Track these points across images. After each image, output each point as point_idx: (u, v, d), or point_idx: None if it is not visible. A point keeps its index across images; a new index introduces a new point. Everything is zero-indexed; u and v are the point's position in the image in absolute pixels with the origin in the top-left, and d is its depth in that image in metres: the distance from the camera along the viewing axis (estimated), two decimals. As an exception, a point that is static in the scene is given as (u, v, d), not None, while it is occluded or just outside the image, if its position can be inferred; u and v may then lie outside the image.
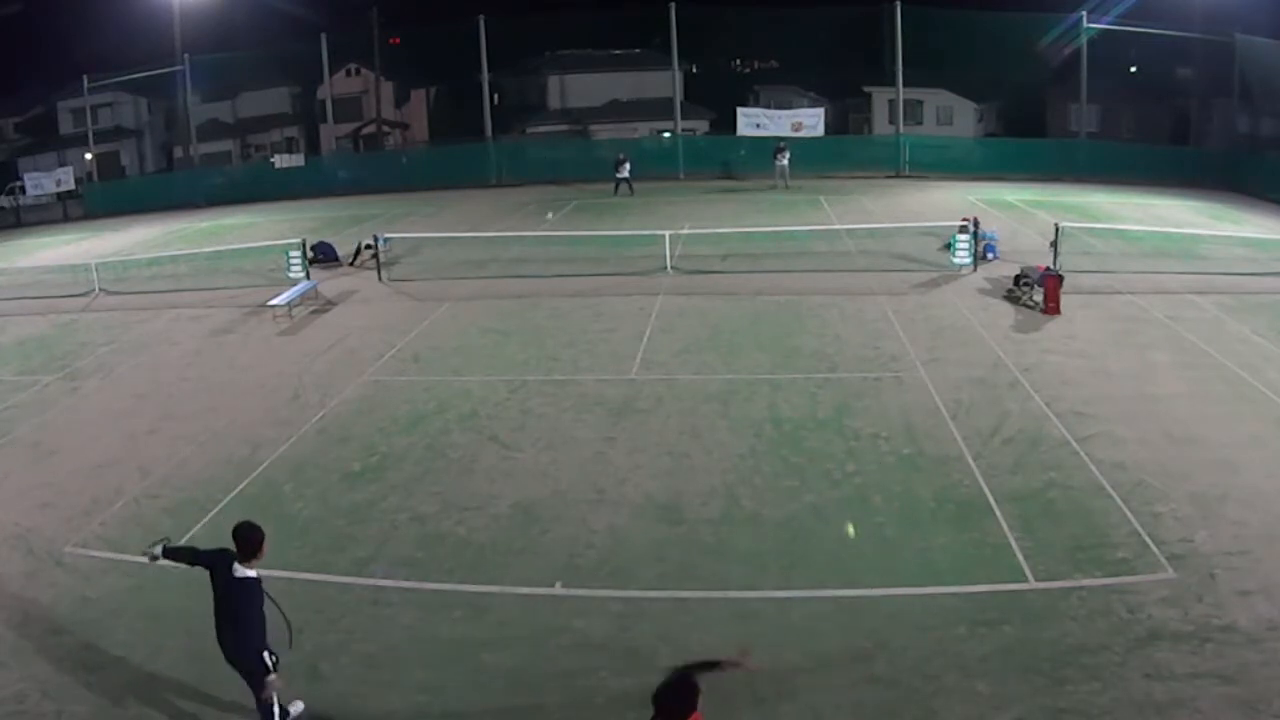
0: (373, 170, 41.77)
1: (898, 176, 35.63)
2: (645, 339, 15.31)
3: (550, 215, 20.19)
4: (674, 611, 7.72)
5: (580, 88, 51.62)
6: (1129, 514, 8.93)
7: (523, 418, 12.12)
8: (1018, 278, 17.03)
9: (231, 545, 6.07)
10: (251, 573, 6.02)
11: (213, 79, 44.96)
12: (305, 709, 6.66)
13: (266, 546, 6.12)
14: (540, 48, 51.79)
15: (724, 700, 6.60)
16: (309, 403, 13.03)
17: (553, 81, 52.92)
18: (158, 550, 6.44)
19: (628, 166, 33.27)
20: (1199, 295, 16.76)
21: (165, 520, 9.59)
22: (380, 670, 7.10)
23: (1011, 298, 16.89)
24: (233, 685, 6.78)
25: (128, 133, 51.74)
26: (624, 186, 33.01)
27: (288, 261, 20.25)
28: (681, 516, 9.32)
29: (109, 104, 49.05)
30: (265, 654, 6.04)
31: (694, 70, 55.73)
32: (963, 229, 19.49)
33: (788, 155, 33.16)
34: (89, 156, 45.16)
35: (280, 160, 41.85)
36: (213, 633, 6.26)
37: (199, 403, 13.30)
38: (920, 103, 42.85)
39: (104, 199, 40.66)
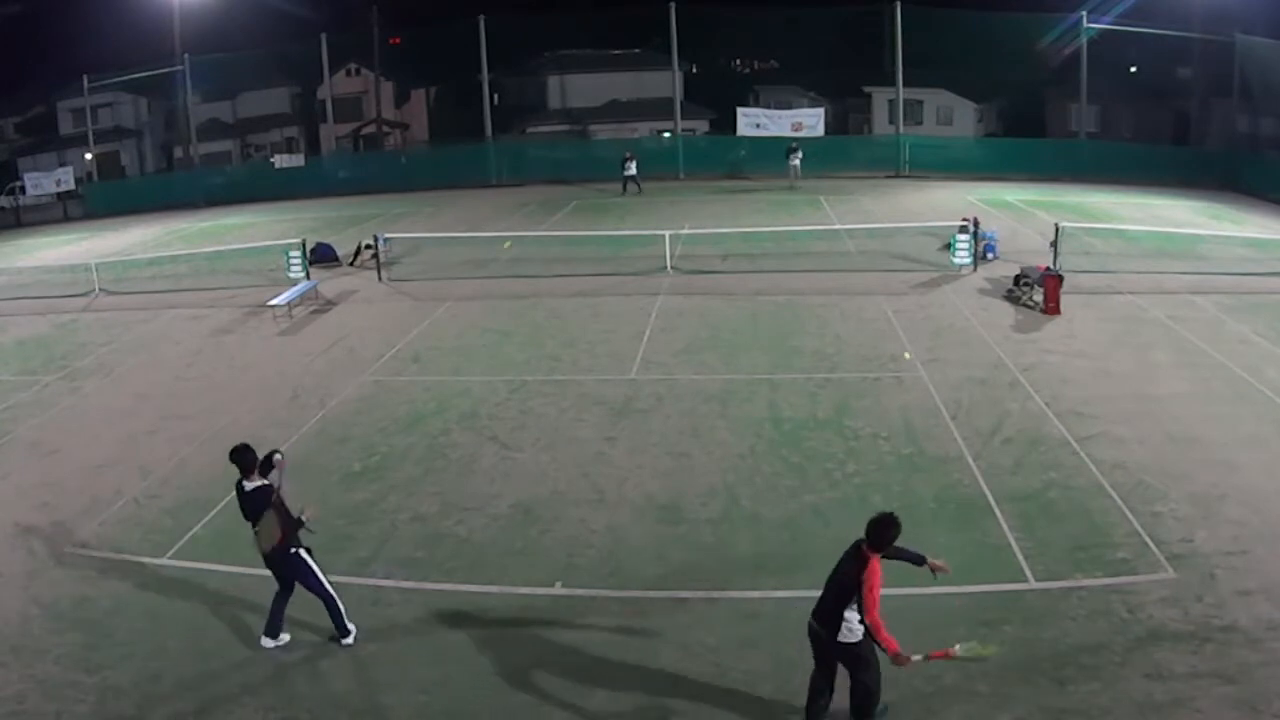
0: (373, 170, 41.75)
1: (898, 176, 35.62)
2: (645, 339, 15.31)
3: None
4: (674, 611, 7.73)
5: (580, 88, 51.60)
6: (1129, 514, 8.93)
7: (523, 418, 12.12)
8: (1018, 278, 17.03)
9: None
10: (257, 481, 7.10)
11: (213, 79, 44.93)
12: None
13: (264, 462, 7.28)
14: (540, 48, 51.77)
15: (723, 699, 6.62)
16: (309, 403, 13.03)
17: (553, 81, 52.90)
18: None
19: (634, 164, 33.23)
20: (1199, 295, 16.76)
21: (165, 520, 9.61)
22: (380, 670, 7.10)
23: (1011, 298, 16.89)
24: (233, 683, 6.80)
25: (128, 133, 51.69)
26: (631, 185, 32.92)
27: (288, 261, 20.25)
28: (681, 516, 9.32)
29: (109, 104, 48.97)
30: (303, 552, 7.10)
31: (694, 70, 55.76)
32: (963, 229, 19.49)
33: (800, 155, 33.23)
34: (89, 156, 45.15)
35: (280, 160, 41.86)
36: (212, 629, 7.03)
37: (199, 403, 13.30)
38: (920, 103, 42.82)
39: (104, 199, 40.64)
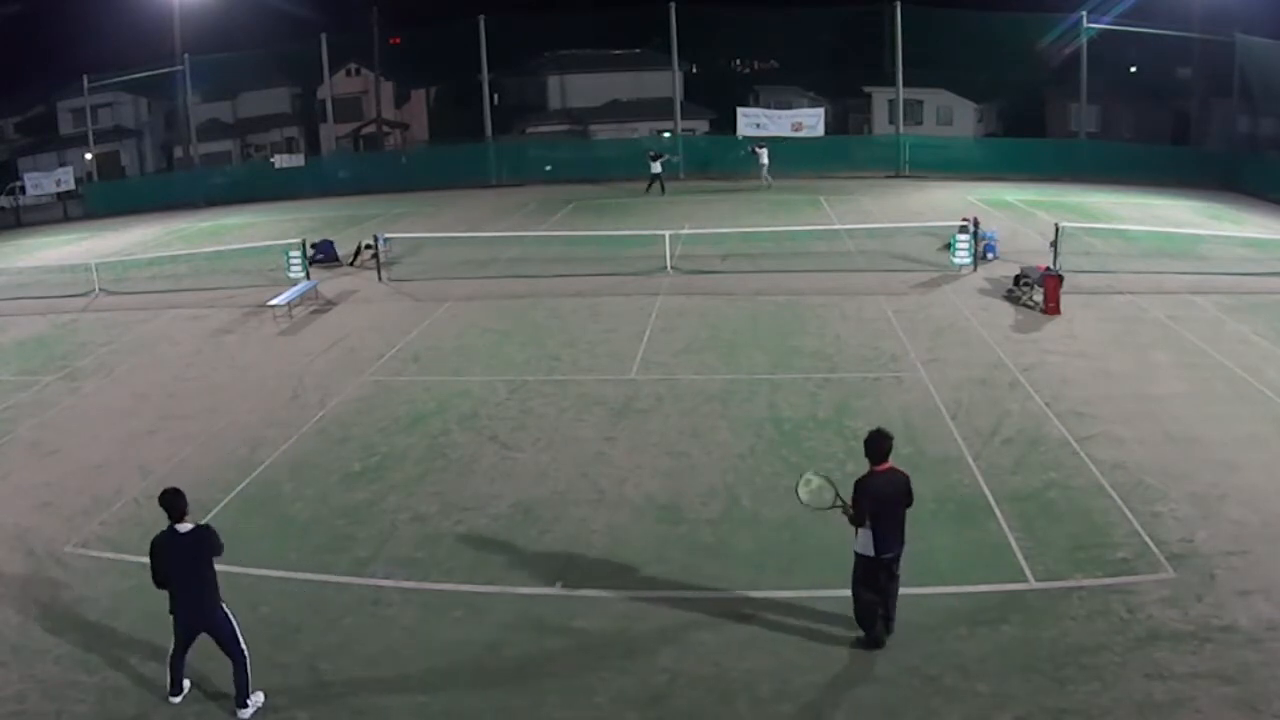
0: (373, 170, 41.78)
1: (898, 176, 35.64)
2: (645, 339, 15.31)
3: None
4: (674, 611, 7.72)
5: (580, 88, 51.63)
6: (1129, 514, 8.93)
7: (523, 418, 12.12)
8: (1018, 278, 17.03)
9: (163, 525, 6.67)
10: (190, 525, 6.57)
11: (213, 79, 44.98)
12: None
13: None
14: (540, 48, 51.81)
15: (723, 699, 6.62)
16: (309, 403, 13.03)
17: (553, 81, 52.93)
18: None
19: (661, 162, 33.14)
20: (1199, 295, 16.76)
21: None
22: (380, 670, 7.10)
23: (1011, 298, 16.89)
24: (232, 683, 6.78)
25: (128, 133, 51.73)
26: (657, 184, 32.66)
27: (288, 261, 20.25)
28: (681, 516, 9.32)
29: (109, 104, 49.03)
30: (227, 609, 6.58)
31: (694, 70, 55.78)
32: (963, 229, 19.49)
33: (766, 154, 33.15)
34: (89, 156, 45.17)
35: (280, 160, 41.86)
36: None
37: (199, 403, 13.30)
38: (920, 103, 42.84)
39: (104, 199, 40.68)
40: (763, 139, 34.62)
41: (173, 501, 6.55)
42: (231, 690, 6.64)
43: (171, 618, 6.60)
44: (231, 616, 6.64)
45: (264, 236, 25.98)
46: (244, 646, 6.59)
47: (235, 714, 6.58)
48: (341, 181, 40.16)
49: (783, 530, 8.94)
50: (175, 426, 12.39)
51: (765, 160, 33.01)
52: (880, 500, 6.77)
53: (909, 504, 6.98)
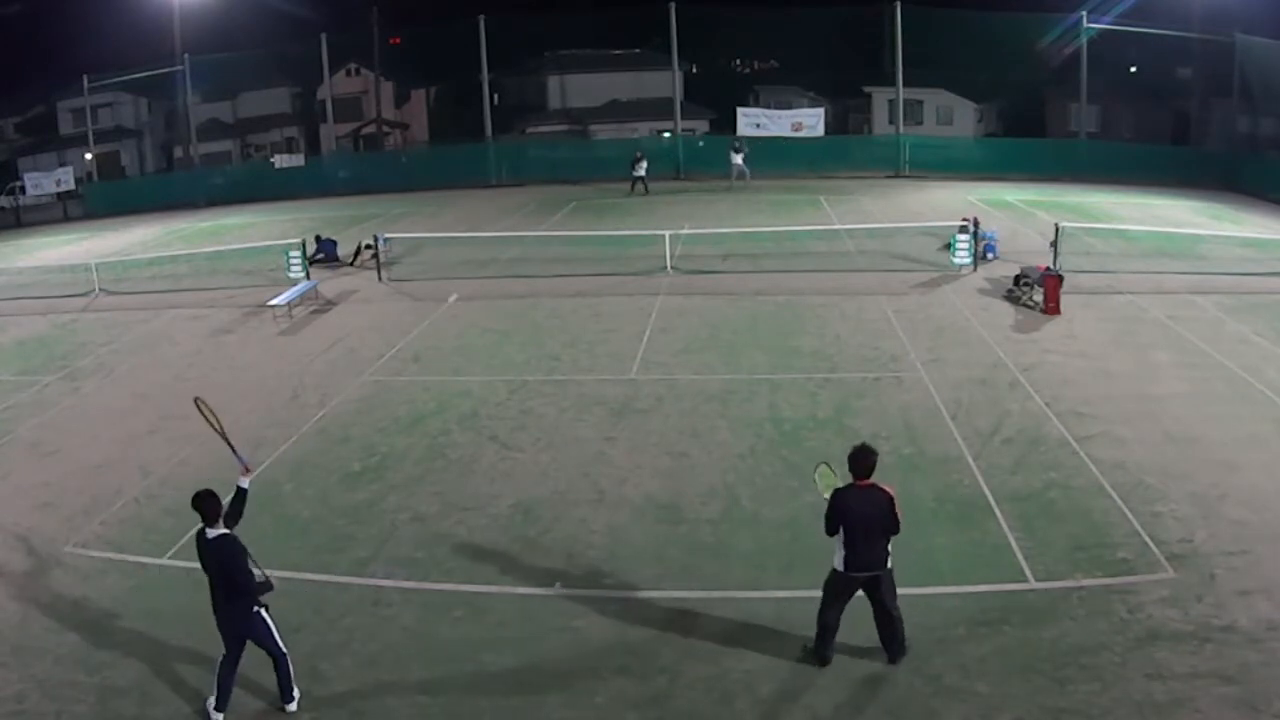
0: (373, 170, 41.77)
1: (898, 176, 35.63)
2: (645, 339, 15.31)
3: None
4: (674, 611, 7.72)
5: (580, 88, 51.66)
6: (1129, 514, 8.93)
7: (523, 418, 12.12)
8: (1018, 278, 17.03)
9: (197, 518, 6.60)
10: (221, 530, 6.51)
11: (213, 79, 44.99)
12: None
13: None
14: (540, 48, 51.84)
15: (723, 699, 6.62)
16: (309, 403, 13.03)
17: (553, 81, 52.95)
18: None
19: (644, 165, 33.13)
20: (1199, 295, 16.76)
21: (165, 520, 9.60)
22: (380, 670, 7.10)
23: (1011, 298, 16.89)
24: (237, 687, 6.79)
25: (128, 133, 51.76)
26: (640, 185, 32.67)
27: (288, 261, 20.25)
28: (681, 516, 9.32)
29: (109, 104, 49.05)
30: (264, 611, 6.52)
31: (694, 70, 55.79)
32: (963, 229, 19.49)
33: (744, 153, 33.13)
34: (89, 156, 45.17)
35: (280, 160, 41.89)
36: (212, 629, 6.55)
37: (199, 403, 13.28)
38: (920, 103, 42.86)
39: (104, 199, 40.68)
40: (738, 137, 34.57)
41: (201, 504, 6.53)
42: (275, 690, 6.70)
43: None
44: (268, 619, 6.54)
45: (264, 236, 25.99)
46: (283, 647, 6.60)
47: (283, 709, 6.63)
48: (341, 181, 40.16)
49: (783, 530, 8.95)
50: (175, 426, 12.37)
51: (739, 160, 33.00)
52: (852, 516, 6.55)
53: (894, 530, 6.60)
